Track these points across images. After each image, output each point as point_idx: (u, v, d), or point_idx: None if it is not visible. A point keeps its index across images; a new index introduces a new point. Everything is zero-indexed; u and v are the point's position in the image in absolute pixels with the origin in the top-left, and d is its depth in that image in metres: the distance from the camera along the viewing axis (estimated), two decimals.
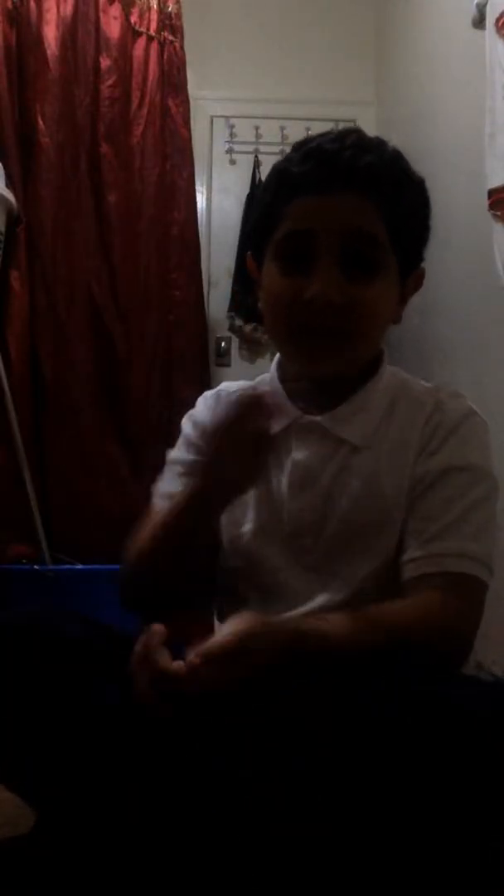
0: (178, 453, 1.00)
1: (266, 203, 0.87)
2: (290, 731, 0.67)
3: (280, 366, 0.97)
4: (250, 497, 0.91)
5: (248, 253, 0.93)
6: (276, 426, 0.89)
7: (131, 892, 0.72)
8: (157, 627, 0.70)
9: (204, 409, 1.01)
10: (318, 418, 0.90)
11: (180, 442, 1.01)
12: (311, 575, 0.88)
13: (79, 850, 0.72)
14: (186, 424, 1.01)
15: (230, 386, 1.03)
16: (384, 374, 0.92)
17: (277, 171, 0.86)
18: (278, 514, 0.90)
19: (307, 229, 0.81)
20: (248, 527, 0.91)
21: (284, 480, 0.90)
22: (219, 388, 1.03)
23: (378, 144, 0.83)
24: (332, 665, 0.69)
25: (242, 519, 0.92)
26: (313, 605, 0.86)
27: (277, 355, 0.97)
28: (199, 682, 0.65)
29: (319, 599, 0.86)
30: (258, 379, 1.02)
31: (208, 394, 1.03)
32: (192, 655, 0.66)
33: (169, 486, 0.95)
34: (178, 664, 0.67)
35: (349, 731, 0.65)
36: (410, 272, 0.88)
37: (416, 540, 0.83)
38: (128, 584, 0.92)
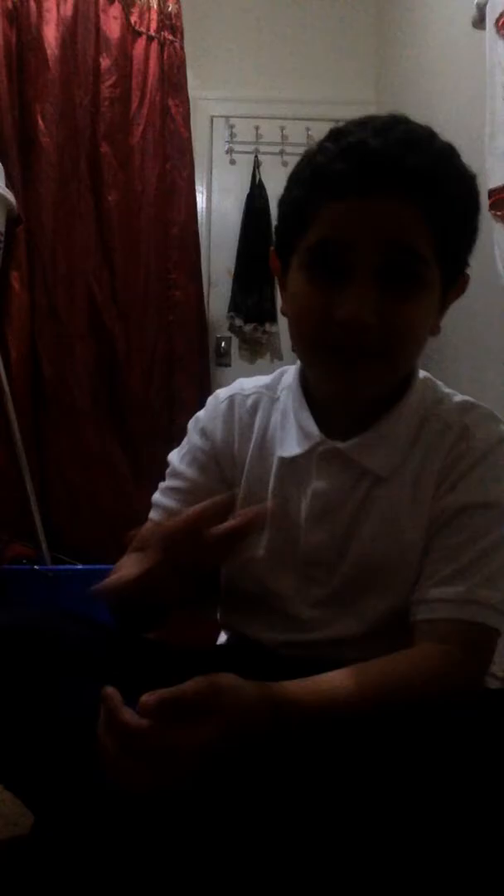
0: (178, 462, 0.92)
1: (297, 201, 0.75)
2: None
3: (302, 375, 0.88)
4: (266, 520, 0.85)
5: (272, 248, 0.83)
6: (297, 449, 0.84)
7: (131, 892, 0.72)
8: (111, 691, 0.59)
9: (215, 413, 0.92)
10: (342, 445, 0.82)
11: (185, 448, 0.93)
12: (323, 607, 0.84)
13: (78, 850, 0.72)
14: (193, 430, 0.93)
15: (244, 385, 0.93)
16: (414, 393, 0.83)
17: (311, 165, 0.74)
18: (294, 543, 0.85)
19: (343, 239, 0.71)
20: (259, 552, 0.86)
21: (304, 509, 0.84)
22: (233, 389, 0.93)
23: (427, 138, 0.71)
24: (318, 734, 0.64)
25: (257, 542, 0.86)
26: (322, 636, 0.83)
27: (299, 362, 0.88)
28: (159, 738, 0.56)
29: (329, 631, 0.83)
30: (275, 375, 0.93)
31: (220, 396, 0.93)
32: (146, 696, 0.57)
33: (166, 500, 0.90)
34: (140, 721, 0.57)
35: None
36: (455, 279, 0.79)
37: (428, 580, 0.77)
38: (113, 611, 0.84)
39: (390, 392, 0.82)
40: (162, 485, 0.93)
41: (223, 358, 2.92)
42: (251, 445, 0.89)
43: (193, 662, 0.71)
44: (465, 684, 0.72)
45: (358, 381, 0.76)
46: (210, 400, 0.94)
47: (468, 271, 0.83)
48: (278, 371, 0.93)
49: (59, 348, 2.28)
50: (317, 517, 0.83)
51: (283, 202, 0.79)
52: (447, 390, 0.86)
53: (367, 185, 0.69)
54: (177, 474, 0.92)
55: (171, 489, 0.91)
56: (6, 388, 2.11)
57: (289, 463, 0.86)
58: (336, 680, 0.67)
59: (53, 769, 0.72)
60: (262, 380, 0.93)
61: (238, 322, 2.86)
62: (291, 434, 0.86)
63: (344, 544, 0.83)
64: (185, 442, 0.93)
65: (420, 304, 0.74)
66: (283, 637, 0.85)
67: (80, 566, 2.10)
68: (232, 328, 2.90)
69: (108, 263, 2.37)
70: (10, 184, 2.17)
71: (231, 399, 0.92)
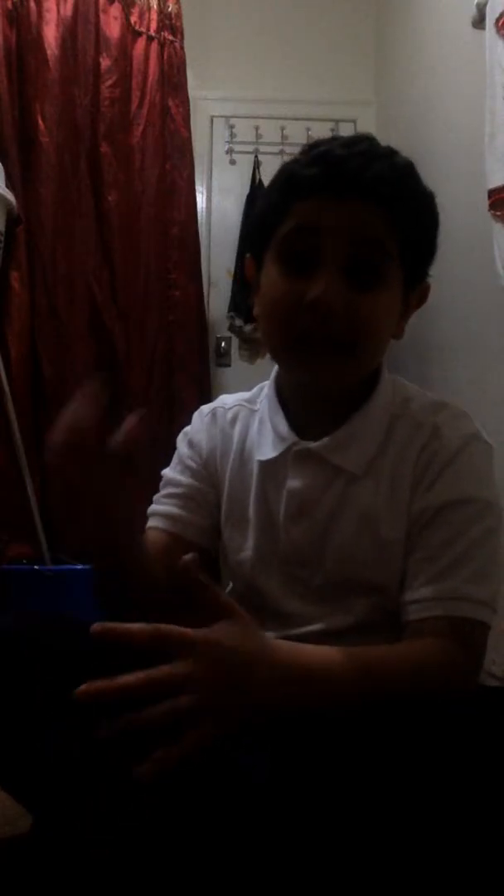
0: (172, 472, 0.96)
1: (271, 202, 0.82)
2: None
3: (277, 381, 0.92)
4: (251, 523, 0.89)
5: (248, 256, 0.88)
6: (273, 452, 0.88)
7: (131, 892, 0.72)
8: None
9: (200, 426, 0.97)
10: (314, 445, 0.85)
11: (175, 460, 0.98)
12: (311, 603, 0.86)
13: (78, 850, 0.72)
14: (181, 443, 0.98)
15: (226, 401, 0.99)
16: (382, 392, 0.87)
17: (284, 172, 0.81)
18: (276, 544, 0.88)
19: (313, 227, 0.77)
20: (247, 553, 0.89)
21: (281, 510, 0.87)
22: (215, 404, 0.99)
23: (389, 154, 0.78)
24: (327, 710, 0.65)
25: (243, 545, 0.90)
26: (313, 629, 0.84)
27: (276, 368, 0.92)
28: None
29: (319, 625, 0.85)
30: (255, 390, 0.98)
31: (204, 410, 0.99)
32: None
33: (162, 508, 0.93)
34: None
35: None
36: (415, 286, 0.84)
37: (415, 581, 0.79)
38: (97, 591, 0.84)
39: (359, 391, 0.86)
40: (157, 496, 0.96)
41: (223, 358, 2.92)
42: (232, 453, 0.93)
43: None
44: (462, 677, 0.74)
45: (324, 371, 0.80)
46: (195, 415, 1.00)
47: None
48: (258, 386, 0.98)
49: (59, 348, 2.28)
50: (293, 516, 0.86)
51: (257, 209, 0.85)
52: (415, 390, 0.89)
53: (334, 186, 0.76)
54: (170, 482, 0.96)
55: (167, 496, 0.95)
56: (6, 388, 2.11)
57: (267, 466, 0.89)
58: (333, 651, 0.69)
59: (51, 772, 0.72)
60: (243, 395, 0.98)
61: (238, 322, 2.86)
62: (268, 438, 0.89)
63: (322, 542, 0.85)
64: (175, 456, 0.98)
65: (384, 297, 0.79)
66: (275, 634, 0.85)
67: (80, 566, 2.10)
68: (232, 328, 2.90)
69: (108, 263, 2.37)
70: (10, 184, 2.17)
71: (213, 412, 0.97)
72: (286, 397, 0.90)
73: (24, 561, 2.07)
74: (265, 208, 0.84)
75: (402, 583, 0.81)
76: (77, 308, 2.31)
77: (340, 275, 0.76)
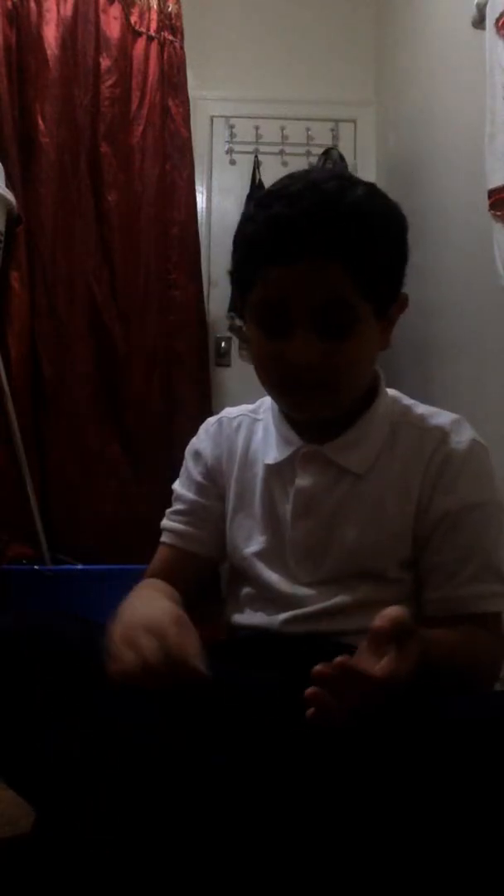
0: (180, 488, 1.04)
1: (237, 267, 0.88)
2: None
3: None
4: (257, 521, 0.96)
5: (231, 314, 0.97)
6: (279, 455, 0.94)
7: (131, 893, 0.72)
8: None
9: (206, 438, 1.03)
10: (321, 447, 0.92)
11: (183, 474, 1.05)
12: (315, 589, 0.91)
13: (79, 851, 0.72)
14: (189, 456, 1.04)
15: (230, 412, 1.05)
16: (382, 401, 0.93)
17: (243, 235, 0.86)
18: (282, 539, 0.93)
19: (278, 299, 0.82)
20: (253, 548, 0.95)
21: (288, 508, 0.93)
22: (221, 415, 1.05)
23: (336, 197, 0.80)
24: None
25: (250, 542, 0.96)
26: (319, 607, 0.90)
27: None
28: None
29: (326, 604, 0.90)
30: (257, 403, 1.04)
31: (210, 421, 1.05)
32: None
33: (171, 524, 1.02)
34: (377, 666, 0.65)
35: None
36: (390, 307, 0.88)
37: (440, 578, 0.88)
38: None
39: (361, 399, 0.92)
40: (168, 511, 1.05)
41: (223, 358, 2.91)
42: (237, 457, 1.00)
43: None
44: (496, 666, 0.87)
45: (314, 409, 0.89)
46: (202, 428, 1.06)
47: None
48: (260, 400, 1.04)
49: (59, 348, 2.28)
50: (301, 513, 0.92)
51: (232, 263, 0.90)
52: (410, 401, 0.97)
53: (286, 253, 0.79)
54: (179, 498, 1.04)
55: (176, 512, 1.03)
56: (6, 388, 2.11)
57: (273, 468, 0.95)
58: (438, 631, 0.81)
59: (51, 772, 0.72)
60: (246, 407, 1.05)
61: (238, 322, 2.85)
62: (273, 444, 0.96)
63: (329, 536, 0.91)
64: (182, 469, 1.05)
65: (358, 339, 0.84)
66: (283, 616, 0.91)
67: (80, 566, 2.10)
68: (232, 328, 2.90)
69: (108, 263, 2.37)
70: (10, 184, 2.17)
71: (219, 421, 1.04)
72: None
73: (24, 561, 2.07)
74: (235, 273, 0.90)
75: (414, 577, 0.90)
76: (77, 308, 2.31)
77: (312, 332, 0.82)
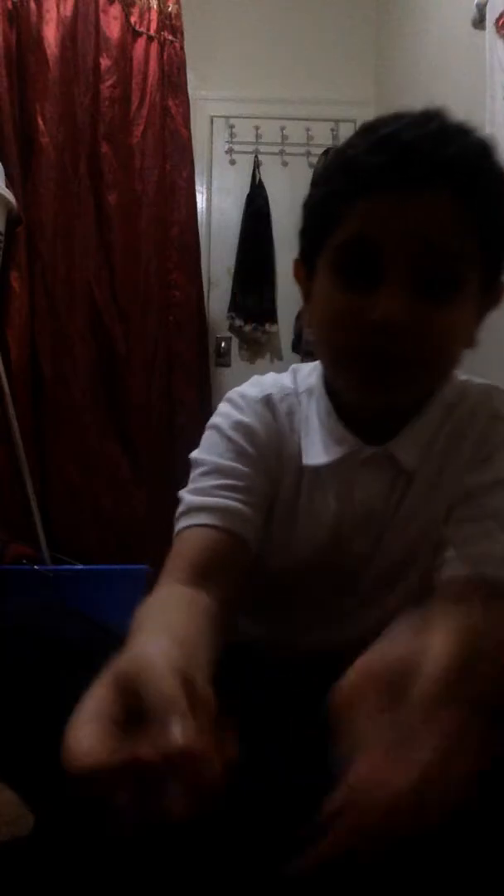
0: (218, 458, 0.79)
1: (324, 197, 0.70)
2: None
3: (327, 378, 0.82)
4: (298, 529, 0.82)
5: (295, 259, 0.78)
6: (325, 457, 0.79)
7: (131, 893, 0.72)
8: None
9: (251, 412, 0.82)
10: (379, 450, 0.78)
11: (220, 445, 0.80)
12: (352, 605, 0.85)
13: (79, 851, 0.72)
14: (226, 426, 0.81)
15: (271, 388, 0.84)
16: (447, 389, 0.81)
17: (341, 159, 0.68)
18: (325, 551, 0.82)
19: (375, 237, 0.65)
20: (291, 559, 0.83)
21: (339, 513, 0.80)
22: (264, 390, 0.84)
23: (464, 132, 0.66)
24: None
25: (288, 551, 0.83)
26: (353, 632, 0.80)
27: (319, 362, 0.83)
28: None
29: (352, 626, 0.83)
30: (291, 376, 0.86)
31: (250, 394, 0.84)
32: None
33: (215, 500, 0.76)
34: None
35: None
36: (491, 286, 0.72)
37: (462, 552, 0.72)
38: None
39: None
40: (204, 483, 0.78)
41: (223, 358, 2.92)
42: (291, 451, 0.82)
43: None
44: None
45: (389, 389, 0.70)
46: (237, 399, 0.84)
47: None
48: (290, 370, 0.87)
49: (59, 348, 2.28)
50: (353, 523, 0.80)
51: (308, 201, 0.73)
52: (464, 377, 0.84)
53: (400, 178, 0.64)
54: (220, 470, 0.78)
55: (220, 487, 0.77)
56: (6, 388, 2.11)
57: (316, 471, 0.81)
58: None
59: (55, 769, 0.72)
60: (283, 381, 0.86)
61: (238, 322, 2.86)
62: (316, 441, 0.80)
63: (377, 544, 0.82)
64: (216, 440, 0.81)
65: (458, 308, 0.68)
66: (315, 635, 0.85)
67: (80, 566, 2.10)
68: (232, 328, 2.90)
69: (108, 263, 2.37)
70: (10, 184, 2.17)
71: (267, 400, 0.83)
72: (337, 399, 0.81)
73: (24, 561, 2.07)
74: (316, 204, 0.72)
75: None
76: (77, 308, 2.31)
77: (408, 286, 0.66)
